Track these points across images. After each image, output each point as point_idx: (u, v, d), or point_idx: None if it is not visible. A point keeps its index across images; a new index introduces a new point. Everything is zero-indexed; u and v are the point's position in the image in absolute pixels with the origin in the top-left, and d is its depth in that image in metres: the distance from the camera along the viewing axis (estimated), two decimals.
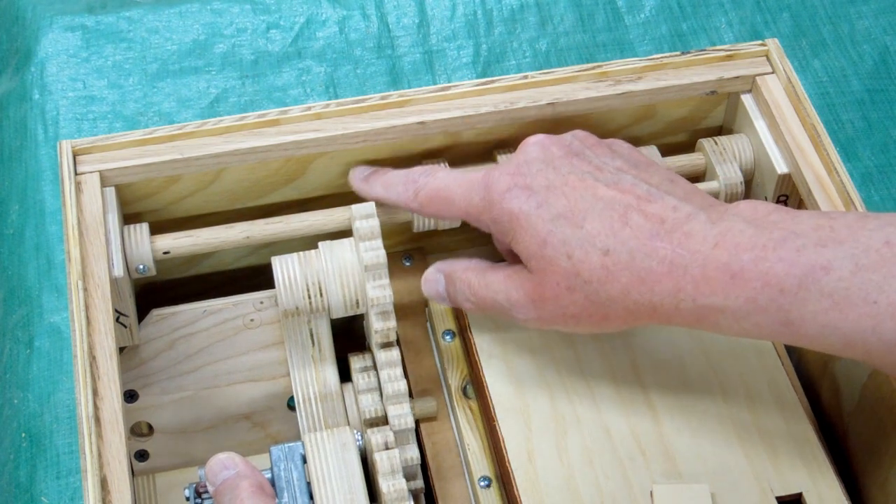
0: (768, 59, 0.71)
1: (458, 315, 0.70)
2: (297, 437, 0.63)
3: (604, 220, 0.58)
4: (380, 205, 0.67)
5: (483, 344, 0.67)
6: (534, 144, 0.62)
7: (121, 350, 0.65)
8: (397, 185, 0.65)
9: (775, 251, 0.54)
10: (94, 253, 0.63)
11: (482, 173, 0.62)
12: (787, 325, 0.54)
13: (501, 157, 0.69)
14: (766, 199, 0.70)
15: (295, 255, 0.64)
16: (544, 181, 0.60)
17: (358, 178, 0.68)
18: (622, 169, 0.61)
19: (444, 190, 0.63)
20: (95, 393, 0.58)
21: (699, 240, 0.56)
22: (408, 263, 0.75)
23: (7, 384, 0.77)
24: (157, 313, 0.66)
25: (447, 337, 0.70)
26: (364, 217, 0.65)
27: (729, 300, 0.55)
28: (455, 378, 0.68)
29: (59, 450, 0.74)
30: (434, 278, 0.66)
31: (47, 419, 0.75)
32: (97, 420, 0.58)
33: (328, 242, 0.65)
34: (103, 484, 0.56)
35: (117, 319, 0.64)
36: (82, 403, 0.58)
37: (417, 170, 0.65)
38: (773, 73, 0.71)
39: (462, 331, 0.69)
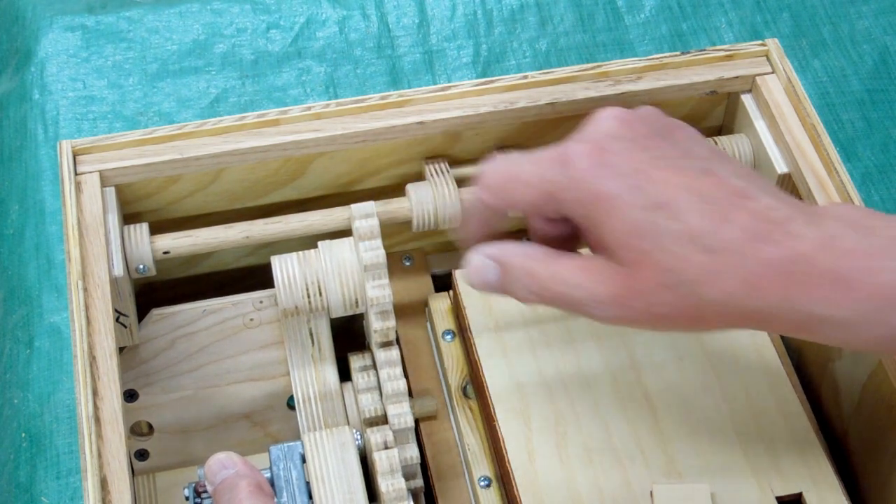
0: (768, 59, 0.71)
1: (458, 315, 0.70)
2: (297, 437, 0.63)
3: (704, 216, 0.52)
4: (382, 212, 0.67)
5: (483, 344, 0.67)
6: (613, 118, 0.56)
7: (121, 350, 0.65)
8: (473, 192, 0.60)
9: (882, 260, 0.50)
10: (94, 253, 0.63)
11: (557, 149, 0.56)
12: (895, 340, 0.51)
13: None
14: None
15: (294, 254, 0.64)
16: (632, 162, 0.54)
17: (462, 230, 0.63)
18: (709, 157, 0.56)
19: (515, 170, 0.57)
20: (95, 393, 0.58)
21: (805, 243, 0.51)
22: (408, 263, 0.75)
23: (7, 384, 0.77)
24: (157, 313, 0.66)
25: (447, 337, 0.70)
26: (363, 216, 0.65)
27: (835, 309, 0.51)
28: (455, 378, 0.68)
29: (59, 450, 0.74)
30: (483, 265, 0.58)
31: (47, 419, 0.75)
32: (97, 420, 0.58)
33: (328, 242, 0.65)
34: (103, 484, 0.56)
35: (117, 319, 0.64)
36: (82, 403, 0.58)
37: (491, 161, 0.60)
38: (773, 73, 0.71)
39: (462, 331, 0.69)
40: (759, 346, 0.67)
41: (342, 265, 0.64)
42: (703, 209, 0.52)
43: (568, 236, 0.59)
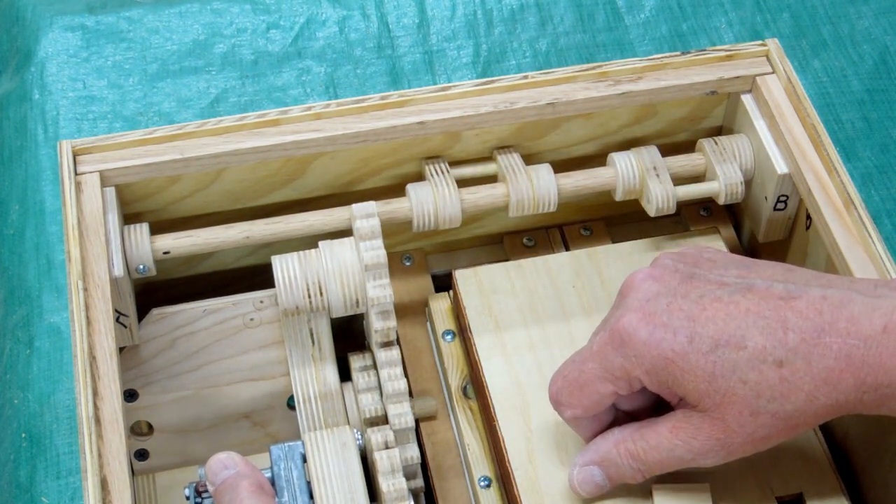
0: (768, 60, 0.71)
1: (459, 315, 0.70)
2: (297, 437, 0.63)
3: (763, 333, 0.54)
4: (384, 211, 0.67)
5: (483, 344, 0.67)
6: (644, 280, 0.58)
7: (121, 350, 0.65)
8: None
9: None
10: (94, 253, 0.63)
11: (605, 334, 0.57)
12: None
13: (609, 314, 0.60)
14: (765, 199, 0.70)
15: (295, 254, 0.64)
16: (681, 314, 0.55)
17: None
18: (742, 275, 0.57)
19: (578, 376, 0.58)
20: (95, 393, 0.58)
21: (866, 324, 0.53)
22: (408, 263, 0.75)
23: (7, 384, 0.77)
24: (157, 312, 0.66)
25: (447, 337, 0.70)
26: (364, 216, 0.65)
27: None
28: (455, 378, 0.68)
29: (59, 450, 0.74)
30: (585, 476, 0.59)
31: (47, 419, 0.75)
32: (97, 420, 0.58)
33: (328, 242, 0.65)
34: (103, 484, 0.56)
35: (117, 319, 0.64)
36: (82, 404, 0.58)
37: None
38: (773, 73, 0.71)
39: (462, 331, 0.69)
40: None
41: (343, 265, 0.64)
42: (760, 327, 0.54)
43: (650, 402, 0.60)
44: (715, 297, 0.55)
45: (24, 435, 0.74)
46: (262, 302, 0.66)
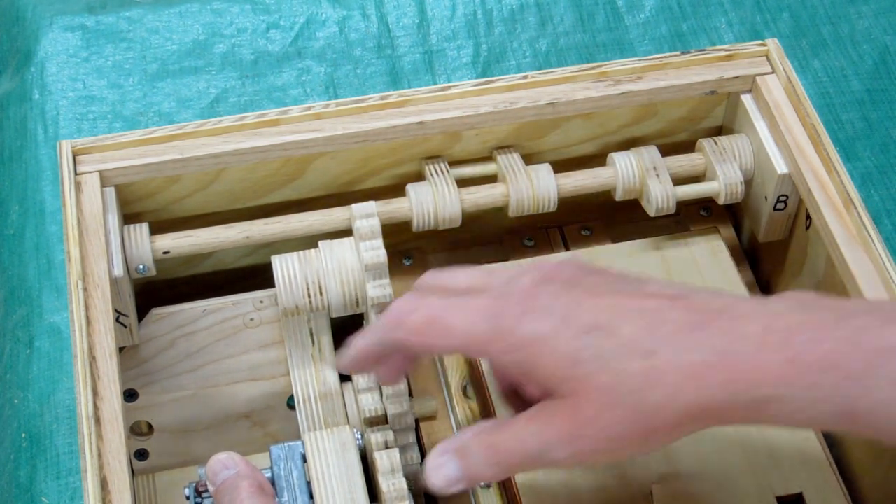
0: (768, 60, 0.71)
1: None
2: (297, 437, 0.63)
3: (639, 325, 0.51)
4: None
5: None
6: (539, 269, 0.55)
7: (120, 350, 0.65)
8: (379, 321, 0.57)
9: (834, 331, 0.48)
10: (94, 253, 0.63)
11: (488, 299, 0.54)
12: (849, 415, 0.48)
13: (494, 275, 0.57)
14: (765, 199, 0.70)
15: (295, 254, 0.64)
16: (566, 299, 0.53)
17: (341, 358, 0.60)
18: (644, 280, 0.55)
19: (440, 317, 0.54)
20: (95, 393, 0.58)
21: (747, 323, 0.50)
22: (408, 263, 0.75)
23: (7, 384, 0.77)
24: (157, 312, 0.66)
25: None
26: (364, 216, 0.65)
27: (787, 388, 0.48)
28: (455, 378, 0.68)
29: (59, 450, 0.74)
30: (439, 463, 0.55)
31: (47, 419, 0.75)
32: (97, 420, 0.58)
33: (328, 241, 0.65)
34: (103, 484, 0.56)
35: (117, 319, 0.64)
36: (82, 403, 0.58)
37: (403, 298, 0.57)
38: (773, 73, 0.71)
39: None
40: None
41: (343, 265, 0.64)
42: (637, 320, 0.51)
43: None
44: (605, 288, 0.53)
45: (24, 435, 0.74)
46: (262, 302, 0.66)
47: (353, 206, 0.66)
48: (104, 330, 0.61)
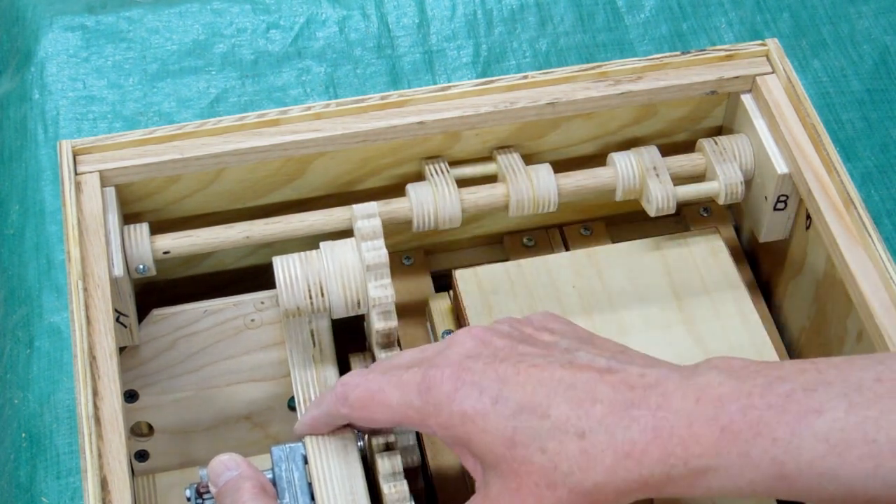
0: (768, 59, 0.71)
1: (459, 315, 0.70)
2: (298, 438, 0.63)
3: (571, 403, 0.52)
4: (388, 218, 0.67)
5: None
6: (471, 338, 0.56)
7: (121, 350, 0.65)
8: (328, 394, 0.59)
9: (762, 398, 0.50)
10: (94, 253, 0.63)
11: (419, 373, 0.55)
12: (782, 478, 0.50)
13: (428, 349, 0.58)
14: (765, 199, 0.70)
15: (296, 255, 0.64)
16: (495, 375, 0.53)
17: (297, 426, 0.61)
18: (572, 347, 0.55)
19: (378, 392, 0.56)
20: (95, 393, 0.58)
21: (678, 398, 0.51)
22: (408, 262, 0.75)
23: (7, 384, 0.77)
24: (157, 313, 0.66)
25: (447, 336, 0.70)
26: (366, 217, 0.64)
27: (721, 458, 0.50)
28: None
29: (59, 450, 0.74)
30: None
31: (47, 419, 0.75)
32: (97, 420, 0.58)
33: (329, 242, 0.64)
34: (103, 484, 0.56)
35: (117, 319, 0.64)
36: (82, 403, 0.58)
37: (350, 373, 0.59)
38: (773, 73, 0.71)
39: None
40: (759, 346, 0.67)
41: (344, 266, 0.64)
42: (568, 397, 0.52)
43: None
44: (532, 364, 0.54)
45: (24, 435, 0.74)
46: (262, 303, 0.66)
47: (355, 206, 0.65)
48: (104, 330, 0.61)
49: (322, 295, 0.63)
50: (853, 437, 0.48)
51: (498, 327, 0.57)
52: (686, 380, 0.52)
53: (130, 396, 0.66)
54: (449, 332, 0.70)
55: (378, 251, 0.63)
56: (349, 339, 0.69)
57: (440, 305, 0.72)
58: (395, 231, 0.73)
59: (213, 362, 0.67)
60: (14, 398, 0.76)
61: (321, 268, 0.63)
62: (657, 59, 0.71)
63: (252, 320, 0.66)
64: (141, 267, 0.65)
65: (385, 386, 0.56)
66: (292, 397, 0.68)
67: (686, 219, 0.76)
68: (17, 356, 0.78)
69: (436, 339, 0.71)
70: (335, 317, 0.64)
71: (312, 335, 0.65)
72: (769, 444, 0.49)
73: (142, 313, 0.67)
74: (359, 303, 0.64)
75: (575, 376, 0.53)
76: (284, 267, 0.63)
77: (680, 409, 0.51)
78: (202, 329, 0.66)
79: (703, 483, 0.50)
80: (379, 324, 0.63)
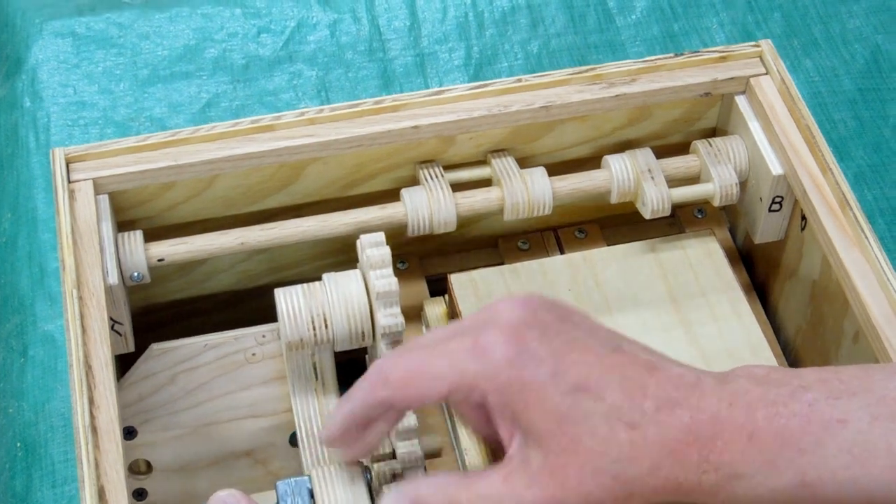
0: (762, 61, 0.71)
1: (455, 317, 0.70)
2: (300, 474, 0.62)
3: (623, 391, 0.52)
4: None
5: None
6: (518, 307, 0.54)
7: (117, 358, 0.64)
8: (360, 383, 0.56)
9: (787, 406, 0.51)
10: (88, 261, 0.63)
11: (468, 339, 0.53)
12: (804, 486, 0.51)
13: (465, 321, 0.56)
14: (760, 200, 0.70)
15: (299, 286, 0.62)
16: (549, 348, 0.53)
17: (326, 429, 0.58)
18: (612, 337, 0.55)
19: (424, 365, 0.53)
20: (91, 402, 0.58)
21: (714, 402, 0.52)
22: (402, 267, 0.75)
23: (1, 393, 0.77)
24: (157, 348, 0.64)
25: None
26: (373, 245, 0.62)
27: (747, 465, 0.51)
28: None
29: (55, 458, 0.73)
30: None
31: (42, 428, 0.74)
32: (94, 430, 0.57)
33: (333, 274, 0.62)
34: (100, 493, 0.56)
35: (112, 327, 0.63)
36: (78, 413, 0.57)
37: (380, 359, 0.57)
38: (766, 74, 0.71)
39: None
40: (755, 347, 0.67)
41: (349, 297, 0.61)
42: (621, 385, 0.52)
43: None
44: (585, 345, 0.53)
45: (19, 444, 0.74)
46: (263, 336, 0.65)
47: (362, 236, 0.62)
48: (99, 339, 0.60)
49: (326, 326, 0.61)
50: (877, 448, 0.50)
51: (537, 299, 0.55)
52: (720, 384, 0.52)
53: (129, 433, 0.65)
54: None
55: (387, 279, 0.61)
56: (352, 374, 0.68)
57: (435, 310, 0.71)
58: (389, 236, 0.72)
59: (213, 397, 0.65)
60: (9, 407, 0.76)
61: (325, 299, 0.62)
62: (651, 61, 0.71)
63: (253, 354, 0.65)
64: (135, 274, 0.65)
65: (429, 358, 0.53)
66: (294, 433, 0.65)
67: (681, 221, 0.76)
68: (11, 365, 0.77)
69: None
70: (339, 349, 0.63)
71: (315, 369, 0.64)
72: (794, 453, 0.50)
73: (136, 320, 0.66)
74: (363, 334, 0.62)
75: (626, 365, 0.53)
76: (287, 299, 0.61)
77: (716, 414, 0.51)
78: (202, 364, 0.65)
79: (728, 490, 0.51)
80: (388, 352, 0.61)
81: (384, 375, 0.54)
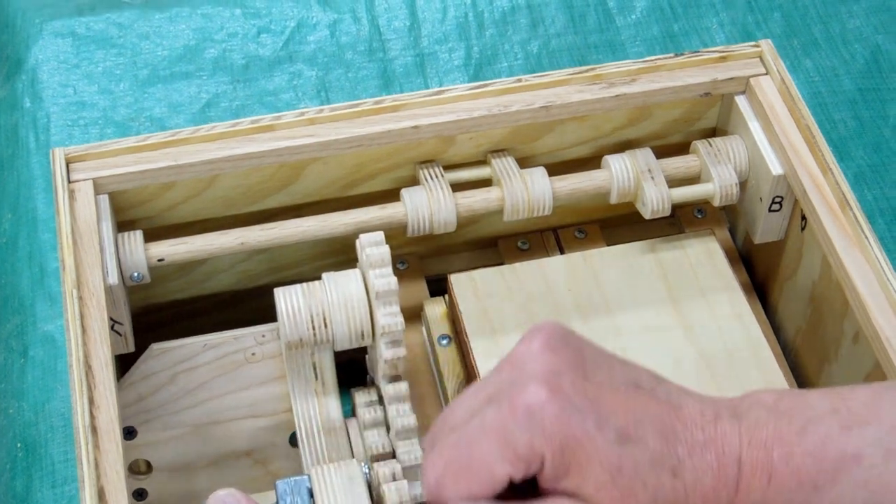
0: (762, 61, 0.71)
1: (454, 319, 0.70)
2: (300, 474, 0.61)
3: (660, 436, 0.50)
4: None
5: (479, 348, 0.67)
6: (542, 351, 0.51)
7: (117, 358, 0.64)
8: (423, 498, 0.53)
9: (800, 444, 0.51)
10: (88, 261, 0.63)
11: (503, 408, 0.50)
12: None
13: (488, 384, 0.52)
14: (760, 200, 0.70)
15: (299, 286, 0.62)
16: (584, 395, 0.50)
17: None
18: (623, 368, 0.53)
19: (467, 453, 0.50)
20: (91, 402, 0.58)
21: (735, 441, 0.51)
22: (402, 267, 0.75)
23: (2, 394, 0.77)
24: (157, 347, 0.64)
25: (443, 342, 0.70)
26: (373, 245, 0.62)
27: (765, 501, 0.51)
28: (451, 383, 0.68)
29: (55, 458, 0.73)
30: None
31: (42, 428, 0.74)
32: (94, 430, 0.57)
33: (333, 274, 0.63)
34: (100, 494, 0.56)
35: (112, 327, 0.63)
36: (78, 413, 0.57)
37: (424, 463, 0.52)
38: (766, 74, 0.71)
39: (458, 335, 0.69)
40: (755, 347, 0.67)
41: (348, 296, 0.61)
42: (655, 429, 0.51)
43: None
44: (610, 385, 0.51)
45: (19, 444, 0.74)
46: (263, 336, 0.65)
47: (362, 236, 0.62)
48: (99, 339, 0.60)
49: (325, 326, 0.61)
50: (891, 483, 0.50)
51: (554, 330, 0.52)
52: (737, 420, 0.52)
53: (129, 433, 0.65)
54: (445, 336, 0.70)
55: (387, 279, 0.61)
56: (351, 374, 0.68)
57: (435, 310, 0.71)
58: (389, 236, 0.72)
59: (213, 397, 0.65)
60: (9, 408, 0.76)
61: (324, 299, 0.62)
62: (651, 61, 0.71)
63: (253, 354, 0.65)
64: (135, 274, 0.65)
65: (468, 447, 0.50)
66: (294, 433, 0.65)
67: (681, 221, 0.76)
68: (11, 365, 0.77)
69: (431, 345, 0.71)
70: (338, 348, 0.63)
71: (315, 368, 0.63)
72: (810, 491, 0.50)
73: (136, 319, 0.66)
74: (363, 334, 0.62)
75: (650, 405, 0.51)
76: (287, 298, 0.61)
77: (738, 456, 0.51)
78: (202, 363, 0.65)
79: None
80: (388, 352, 0.61)
81: (438, 488, 0.51)
